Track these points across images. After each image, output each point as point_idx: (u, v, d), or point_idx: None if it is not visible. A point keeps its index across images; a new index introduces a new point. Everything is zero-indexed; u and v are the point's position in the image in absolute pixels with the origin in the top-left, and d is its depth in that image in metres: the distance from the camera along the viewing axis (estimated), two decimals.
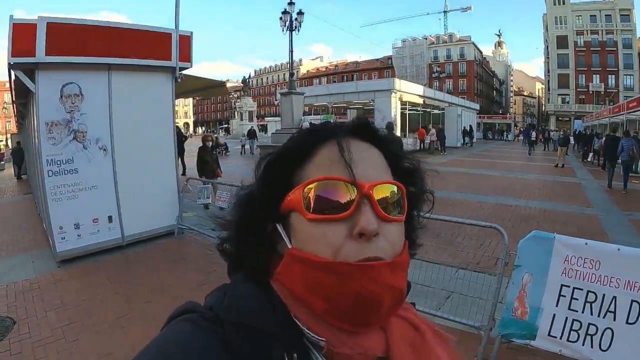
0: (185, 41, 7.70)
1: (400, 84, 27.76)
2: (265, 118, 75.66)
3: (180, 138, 23.17)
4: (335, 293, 0.60)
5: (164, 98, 7.66)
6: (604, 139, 18.38)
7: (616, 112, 26.47)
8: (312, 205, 0.63)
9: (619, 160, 14.70)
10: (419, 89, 32.03)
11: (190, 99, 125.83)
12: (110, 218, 6.99)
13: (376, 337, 0.65)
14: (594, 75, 68.15)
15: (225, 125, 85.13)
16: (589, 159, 25.00)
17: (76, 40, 6.36)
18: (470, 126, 44.24)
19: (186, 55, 7.71)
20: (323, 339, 0.60)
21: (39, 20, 5.98)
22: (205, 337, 0.57)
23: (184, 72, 7.87)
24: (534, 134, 37.01)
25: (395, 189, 0.68)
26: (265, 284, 0.67)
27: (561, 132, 24.85)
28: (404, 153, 0.78)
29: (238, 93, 73.41)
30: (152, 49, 7.28)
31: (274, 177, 0.69)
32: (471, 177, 17.28)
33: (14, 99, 9.74)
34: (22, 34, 5.95)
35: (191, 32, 7.82)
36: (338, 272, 0.59)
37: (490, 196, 12.32)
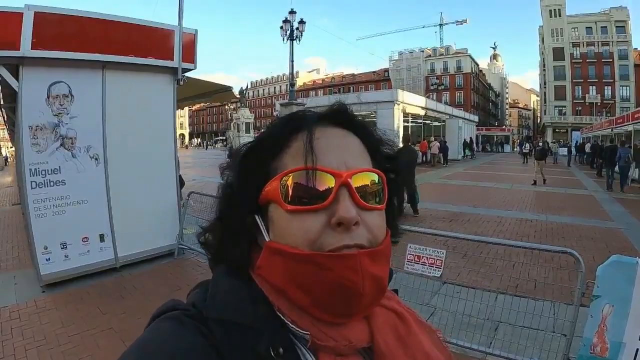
0: (189, 40, 6.91)
1: (403, 95, 27.24)
2: (262, 130, 75.35)
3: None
4: (316, 284, 0.60)
5: (164, 102, 6.82)
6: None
7: (620, 123, 26.91)
8: (289, 196, 0.62)
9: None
10: (421, 100, 31.58)
11: (186, 109, 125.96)
12: (102, 237, 6.11)
13: (360, 327, 0.65)
14: (591, 87, 69.51)
15: (222, 137, 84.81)
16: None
17: (67, 34, 5.55)
18: (471, 138, 44.17)
19: (190, 55, 6.91)
20: (307, 332, 0.61)
21: (25, 9, 5.16)
22: (188, 334, 0.58)
23: (187, 74, 7.08)
24: (527, 145, 37.60)
25: (375, 177, 0.67)
26: (247, 277, 0.67)
27: (540, 143, 23.62)
28: (383, 139, 0.76)
29: (234, 105, 72.99)
30: (153, 47, 6.46)
31: (251, 168, 0.68)
32: (480, 190, 16.83)
33: (0, 103, 8.83)
34: (5, 23, 5.15)
35: (196, 30, 7.02)
36: (316, 262, 0.59)
37: (507, 210, 11.90)
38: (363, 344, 0.64)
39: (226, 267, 0.69)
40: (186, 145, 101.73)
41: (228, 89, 8.46)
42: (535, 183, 18.21)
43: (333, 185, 0.61)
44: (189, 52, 6.87)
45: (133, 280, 6.01)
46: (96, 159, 6.00)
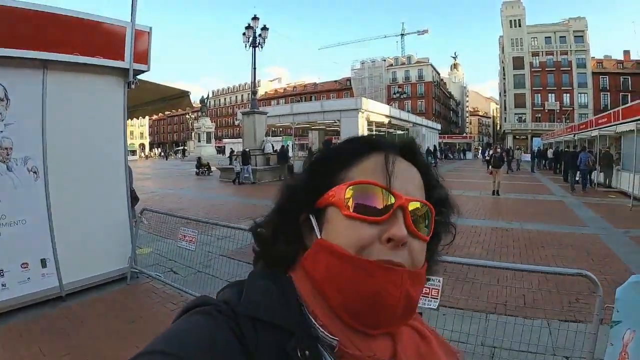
0: (143, 38, 6.15)
1: (367, 103, 26.89)
2: (224, 140, 74.73)
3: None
4: (354, 288, 0.63)
5: (113, 108, 6.04)
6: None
7: (583, 129, 27.86)
8: (351, 204, 0.66)
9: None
10: (385, 108, 31.45)
11: (147, 119, 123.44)
12: (43, 262, 5.26)
13: (385, 342, 0.69)
14: (550, 94, 72.30)
15: (183, 147, 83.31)
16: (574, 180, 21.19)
17: (1, 26, 4.77)
18: (435, 146, 44.41)
19: (143, 55, 6.14)
20: (336, 339, 0.63)
21: None
22: (218, 328, 0.59)
23: (140, 77, 6.36)
24: (490, 152, 37.57)
25: (426, 209, 0.71)
26: (284, 278, 0.70)
27: (499, 149, 23.53)
28: (438, 181, 0.81)
29: (195, 114, 72.04)
30: (101, 45, 5.68)
31: (320, 173, 0.74)
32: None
33: None
34: None
35: (150, 28, 6.25)
36: (362, 267, 0.62)
37: (480, 219, 11.61)
38: (386, 358, 0.67)
39: (263, 266, 0.74)
40: (147, 156, 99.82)
41: (185, 94, 7.57)
42: (496, 193, 17.03)
43: (392, 204, 0.66)
44: (142, 52, 6.11)
45: (81, 311, 5.16)
46: (35, 172, 5.18)
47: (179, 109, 8.19)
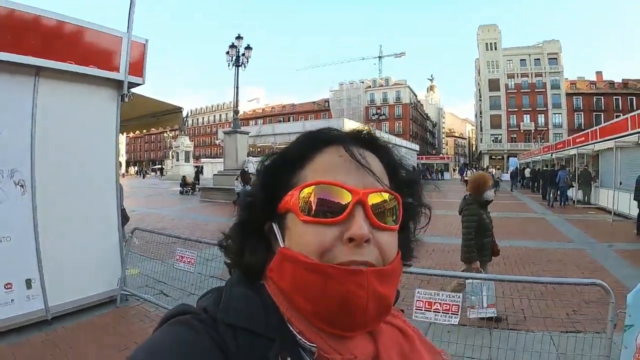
0: (139, 50, 5.95)
1: (349, 124, 26.79)
2: (202, 159, 74.13)
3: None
4: (321, 295, 0.61)
5: (106, 121, 5.77)
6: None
7: (560, 148, 29.09)
8: (306, 208, 0.64)
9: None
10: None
11: (124, 136, 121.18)
12: (28, 282, 4.89)
13: (365, 342, 0.68)
14: (525, 115, 75.20)
15: (160, 167, 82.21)
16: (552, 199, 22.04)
17: None
18: (413, 167, 44.51)
19: (138, 68, 5.94)
20: (314, 345, 0.62)
21: None
22: (198, 338, 0.59)
23: (134, 90, 6.12)
24: (468, 172, 38.88)
25: (390, 197, 0.68)
26: (260, 285, 0.69)
27: (489, 169, 23.79)
28: (403, 163, 0.78)
29: (173, 133, 71.37)
30: (96, 54, 5.46)
31: (274, 178, 0.71)
32: (434, 218, 15.80)
33: None
34: None
35: (146, 40, 6.06)
36: (325, 273, 0.60)
37: None
38: (368, 359, 0.66)
39: (240, 274, 0.71)
40: (123, 174, 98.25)
41: (179, 110, 7.32)
42: None
43: (349, 202, 0.63)
44: (138, 64, 5.91)
45: (68, 336, 4.80)
46: (22, 186, 4.86)
47: (167, 127, 7.82)
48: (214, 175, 29.09)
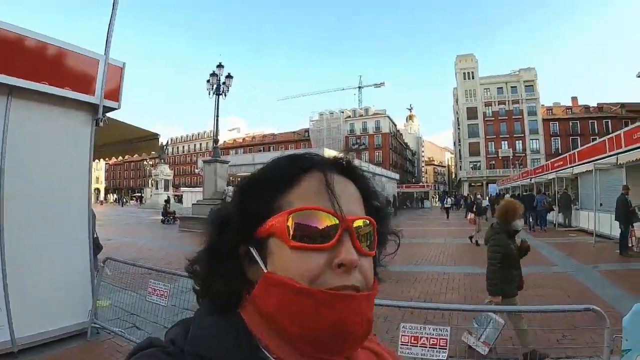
0: (116, 73, 5.79)
1: (329, 153, 26.58)
2: (181, 188, 73.55)
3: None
4: (312, 319, 0.60)
5: (80, 145, 5.56)
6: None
7: (539, 173, 30.19)
8: (294, 233, 0.63)
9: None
10: None
11: (102, 163, 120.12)
12: None
13: None
14: (503, 142, 76.62)
15: (139, 195, 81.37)
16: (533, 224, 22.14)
17: None
18: (394, 195, 44.75)
19: (114, 92, 5.76)
20: None
21: None
22: None
23: (110, 114, 5.93)
24: (448, 200, 38.88)
25: (369, 224, 0.69)
26: (232, 313, 0.67)
27: (479, 195, 24.01)
28: (377, 192, 0.79)
29: (153, 161, 70.90)
30: (71, 76, 5.29)
31: (252, 200, 0.68)
32: (416, 246, 15.92)
33: None
34: None
35: (124, 64, 5.92)
36: (319, 299, 0.60)
37: (451, 266, 11.59)
38: None
39: (210, 303, 0.69)
40: (101, 201, 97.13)
41: (155, 137, 7.07)
42: (476, 243, 15.35)
43: (337, 228, 0.63)
44: (114, 88, 5.74)
45: None
46: None
47: (143, 153, 7.56)
48: (193, 204, 28.60)
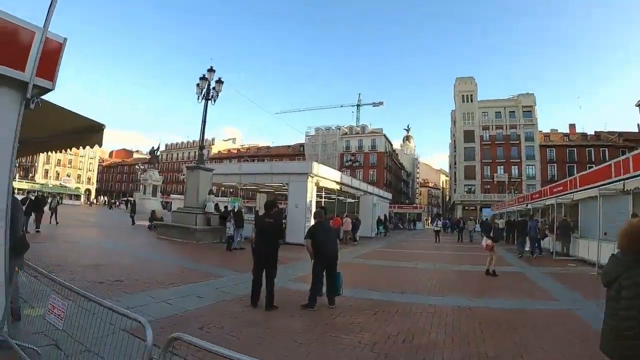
0: (53, 49, 4.93)
1: (318, 168, 25.54)
2: (171, 195, 72.74)
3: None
4: None
5: (1, 129, 4.72)
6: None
7: (536, 198, 29.53)
8: None
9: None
10: (336, 175, 30.24)
11: (95, 163, 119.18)
12: None
13: None
14: (499, 166, 76.61)
15: (130, 199, 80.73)
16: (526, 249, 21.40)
17: None
18: (385, 215, 43.89)
19: (50, 69, 4.91)
20: None
21: None
22: None
23: (45, 97, 5.07)
24: (438, 223, 37.42)
25: None
26: None
27: (495, 220, 23.29)
28: None
29: (145, 166, 70.18)
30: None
31: None
32: (402, 271, 15.17)
33: None
34: None
35: (65, 39, 5.06)
36: None
37: (439, 296, 10.06)
38: None
39: None
40: (91, 202, 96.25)
41: (98, 128, 6.10)
42: (492, 273, 13.71)
43: None
44: (49, 65, 4.86)
45: None
46: None
47: (87, 145, 6.58)
48: (172, 212, 27.75)
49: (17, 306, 5.14)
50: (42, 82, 4.88)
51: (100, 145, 6.07)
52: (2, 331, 4.66)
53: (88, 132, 6.16)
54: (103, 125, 5.93)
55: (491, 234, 14.65)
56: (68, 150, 7.49)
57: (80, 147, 6.68)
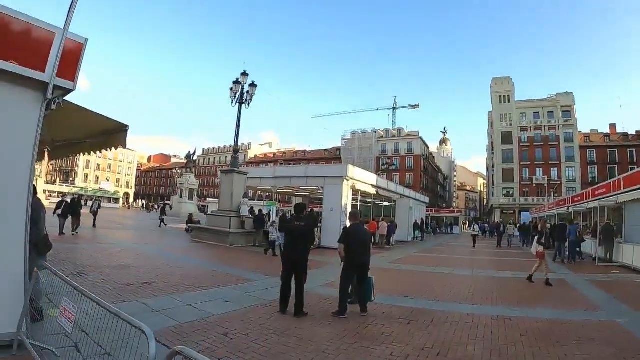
0: (74, 49, 4.92)
1: (354, 171, 25.19)
2: (208, 198, 73.66)
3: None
4: None
5: (24, 130, 4.71)
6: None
7: (578, 201, 28.64)
8: None
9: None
10: (372, 178, 29.85)
11: (134, 168, 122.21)
12: None
13: None
14: (537, 169, 73.95)
15: (167, 202, 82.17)
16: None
17: None
18: (422, 219, 43.16)
19: (71, 70, 4.89)
20: None
21: None
22: None
23: (67, 98, 5.04)
24: (475, 227, 36.08)
25: None
26: None
27: (546, 224, 22.31)
28: None
29: (182, 170, 71.40)
30: (19, 48, 4.51)
31: None
32: (438, 277, 14.60)
33: None
34: None
35: (86, 40, 5.03)
36: None
37: (477, 305, 9.48)
38: None
39: None
40: (129, 206, 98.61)
41: (122, 129, 6.00)
42: (547, 282, 12.64)
43: None
44: (70, 67, 4.85)
45: None
46: None
47: (112, 148, 6.54)
48: (207, 215, 27.74)
49: (38, 306, 5.09)
50: (63, 83, 4.88)
51: (124, 146, 5.99)
52: (20, 331, 4.61)
53: (113, 133, 6.13)
54: (127, 126, 5.85)
55: (542, 240, 13.41)
56: (105, 154, 7.57)
57: (107, 149, 6.67)
